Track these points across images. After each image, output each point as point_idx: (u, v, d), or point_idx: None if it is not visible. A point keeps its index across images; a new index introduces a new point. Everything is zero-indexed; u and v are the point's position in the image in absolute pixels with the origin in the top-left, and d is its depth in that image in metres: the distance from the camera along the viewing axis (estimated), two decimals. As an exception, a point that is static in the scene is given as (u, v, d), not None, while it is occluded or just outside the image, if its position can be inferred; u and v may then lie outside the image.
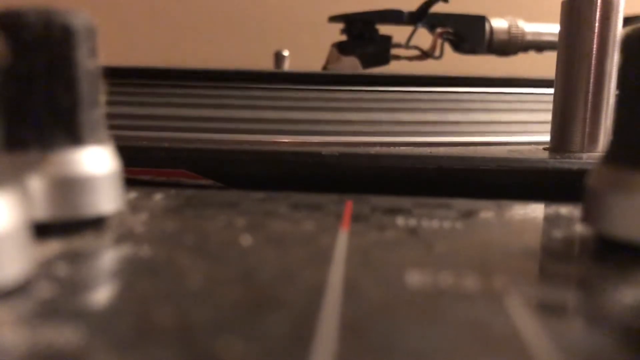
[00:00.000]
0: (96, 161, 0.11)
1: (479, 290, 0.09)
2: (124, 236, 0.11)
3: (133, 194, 0.15)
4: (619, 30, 0.22)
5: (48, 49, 0.11)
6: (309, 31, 0.47)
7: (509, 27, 0.35)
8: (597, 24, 0.22)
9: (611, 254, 0.11)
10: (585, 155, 0.22)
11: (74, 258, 0.10)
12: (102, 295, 0.08)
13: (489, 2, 0.39)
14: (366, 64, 0.34)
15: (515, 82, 0.27)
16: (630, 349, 0.07)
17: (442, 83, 0.26)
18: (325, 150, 0.21)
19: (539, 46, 0.36)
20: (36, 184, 0.11)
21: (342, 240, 0.11)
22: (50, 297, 0.08)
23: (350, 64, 0.34)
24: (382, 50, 0.35)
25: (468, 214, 0.14)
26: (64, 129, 0.11)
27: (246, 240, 0.11)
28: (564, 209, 0.14)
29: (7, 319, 0.07)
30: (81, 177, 0.11)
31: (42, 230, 0.11)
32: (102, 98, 0.12)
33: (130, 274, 0.09)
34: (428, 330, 0.07)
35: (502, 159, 0.21)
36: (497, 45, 0.35)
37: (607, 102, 0.22)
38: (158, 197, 0.15)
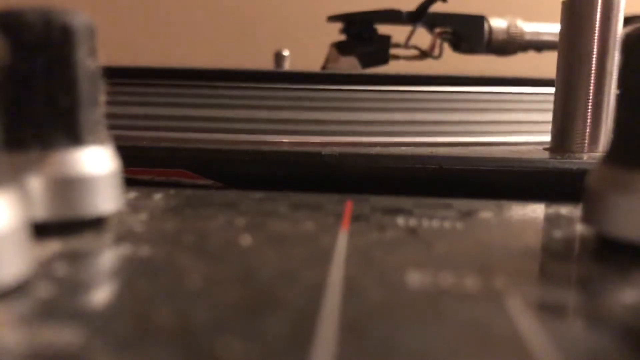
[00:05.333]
0: (96, 161, 0.11)
1: (479, 291, 0.09)
2: (124, 236, 0.11)
3: (133, 194, 0.15)
4: (619, 30, 0.22)
5: (48, 49, 0.11)
6: (309, 31, 0.47)
7: (508, 27, 0.35)
8: (597, 24, 0.22)
9: (611, 254, 0.11)
10: (585, 155, 0.22)
11: (74, 258, 0.10)
12: (101, 295, 0.08)
13: (488, 2, 0.39)
14: (365, 63, 0.34)
15: (515, 82, 0.27)
16: (630, 349, 0.07)
17: (442, 82, 0.26)
18: (325, 150, 0.21)
19: (538, 46, 0.36)
20: (36, 183, 0.11)
21: (342, 240, 0.11)
22: (50, 297, 0.08)
23: (349, 64, 0.34)
24: (381, 50, 0.35)
25: (468, 214, 0.14)
26: (64, 129, 0.11)
27: (246, 240, 0.11)
28: (564, 209, 0.14)
29: (6, 319, 0.07)
30: (81, 177, 0.11)
31: (42, 230, 0.11)
32: (102, 98, 0.12)
33: (130, 274, 0.09)
34: (428, 330, 0.07)
35: (502, 159, 0.21)
36: (496, 45, 0.35)
37: (608, 102, 0.22)
38: (158, 197, 0.15)
